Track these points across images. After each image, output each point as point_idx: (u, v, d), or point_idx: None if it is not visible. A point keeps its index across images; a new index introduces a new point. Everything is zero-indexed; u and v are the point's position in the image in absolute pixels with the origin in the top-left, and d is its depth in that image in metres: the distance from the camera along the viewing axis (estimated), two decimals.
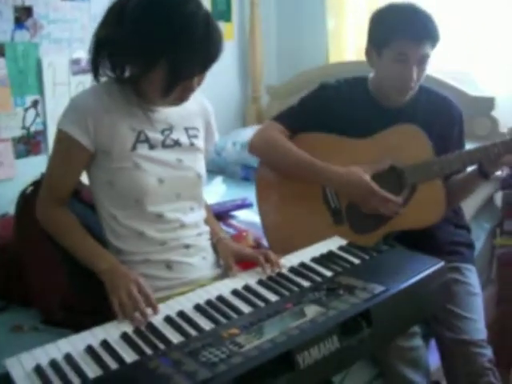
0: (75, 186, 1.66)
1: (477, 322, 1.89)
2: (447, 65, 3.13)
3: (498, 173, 1.96)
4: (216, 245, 1.75)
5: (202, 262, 1.68)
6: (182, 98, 1.57)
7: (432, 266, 1.45)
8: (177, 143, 1.66)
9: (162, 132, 1.65)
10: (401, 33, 1.90)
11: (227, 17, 3.80)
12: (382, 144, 1.99)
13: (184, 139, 1.68)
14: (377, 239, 1.94)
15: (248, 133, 3.26)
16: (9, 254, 2.06)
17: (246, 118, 3.96)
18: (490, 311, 2.37)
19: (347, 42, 3.50)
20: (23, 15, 2.72)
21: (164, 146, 1.64)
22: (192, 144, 1.70)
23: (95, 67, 1.57)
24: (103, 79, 1.61)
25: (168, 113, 1.66)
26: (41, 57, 2.81)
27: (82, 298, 1.80)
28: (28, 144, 2.83)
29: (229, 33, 3.80)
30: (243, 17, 3.89)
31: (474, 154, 1.90)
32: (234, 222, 2.64)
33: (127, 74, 1.59)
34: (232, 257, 1.67)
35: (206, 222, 1.78)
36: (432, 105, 2.05)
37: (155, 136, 1.62)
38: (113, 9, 1.54)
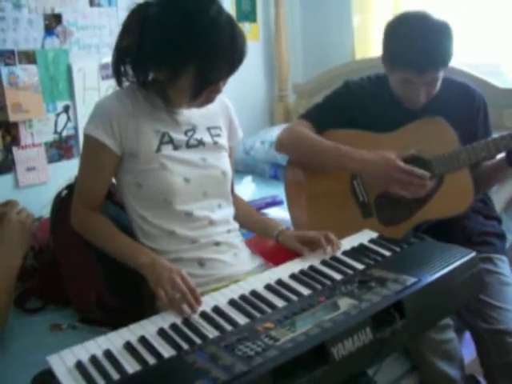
0: (107, 191, 1.68)
1: (510, 312, 1.88)
2: (475, 57, 3.11)
3: None
4: (278, 237, 1.76)
5: (233, 258, 1.70)
6: (208, 101, 1.61)
7: (463, 257, 1.44)
8: (200, 143, 1.69)
9: (186, 133, 1.68)
10: (403, 63, 1.91)
11: (252, 17, 3.82)
12: (408, 137, 2.01)
13: (207, 138, 1.71)
14: (406, 231, 1.95)
15: (276, 131, 3.29)
16: (45, 256, 2.11)
17: (274, 116, 3.98)
18: None
19: (373, 39, 3.48)
20: (53, 23, 2.78)
21: (188, 146, 1.67)
22: (215, 143, 1.72)
23: (118, 74, 1.61)
24: (126, 84, 1.64)
25: (190, 114, 1.69)
26: (71, 63, 2.87)
27: (118, 297, 1.83)
28: (60, 148, 2.90)
29: (254, 33, 3.82)
30: (268, 16, 3.91)
31: (499, 142, 1.90)
32: None
33: (150, 78, 1.61)
34: (298, 242, 1.68)
35: (255, 219, 1.86)
36: (453, 95, 2.05)
37: (179, 137, 1.66)
38: (133, 17, 1.57)
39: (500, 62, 3.09)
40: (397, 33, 1.96)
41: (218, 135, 1.75)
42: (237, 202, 1.87)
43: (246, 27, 3.72)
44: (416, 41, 1.88)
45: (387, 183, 1.94)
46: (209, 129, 1.73)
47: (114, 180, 1.71)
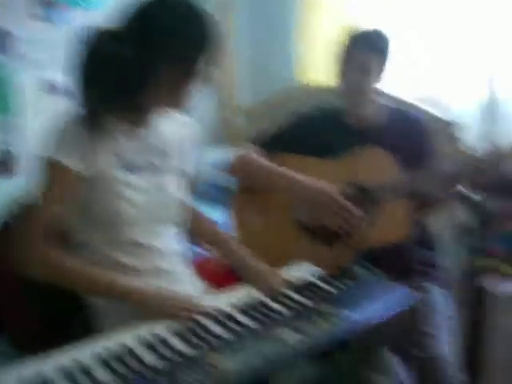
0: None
1: (441, 339, 1.96)
2: (415, 88, 3.20)
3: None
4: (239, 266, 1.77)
5: (173, 286, 1.64)
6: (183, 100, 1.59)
7: (404, 297, 1.51)
8: (157, 167, 1.64)
9: (144, 155, 1.62)
10: (348, 41, 2.14)
11: None
12: (349, 166, 2.08)
13: (165, 162, 1.66)
14: (349, 257, 1.99)
15: (219, 154, 3.30)
16: None
17: (217, 138, 3.98)
18: (465, 333, 2.42)
19: (320, 63, 3.54)
20: None
21: (144, 170, 1.61)
22: (175, 168, 1.68)
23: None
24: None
25: (151, 135, 1.64)
26: (12, 78, 2.81)
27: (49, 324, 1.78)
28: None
29: None
30: None
31: (437, 173, 1.99)
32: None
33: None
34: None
35: (212, 234, 1.86)
36: (397, 123, 2.16)
37: (136, 160, 1.59)
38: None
39: (438, 93, 3.18)
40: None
41: (182, 160, 1.72)
42: (196, 214, 1.87)
43: None
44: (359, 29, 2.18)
45: (322, 214, 1.98)
46: (168, 151, 1.68)
47: None
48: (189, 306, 1.45)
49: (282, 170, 2.06)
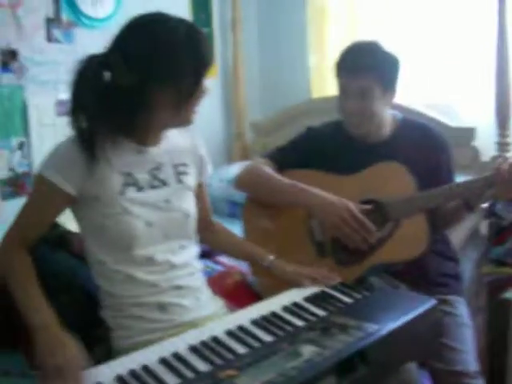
0: (46, 230, 1.61)
1: (467, 353, 1.90)
2: (427, 97, 3.19)
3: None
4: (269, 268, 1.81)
5: (195, 302, 1.66)
6: (190, 117, 1.60)
7: (424, 305, 1.47)
8: (165, 183, 1.65)
9: (150, 172, 1.63)
10: (339, 68, 2.04)
11: None
12: (366, 182, 2.02)
13: (172, 178, 1.67)
14: (360, 272, 1.94)
15: (234, 169, 3.30)
16: None
17: (231, 154, 3.98)
18: (481, 340, 2.38)
19: (329, 77, 3.53)
20: (9, 58, 2.75)
21: (152, 186, 1.62)
22: (180, 181, 1.69)
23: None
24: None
25: (156, 151, 1.65)
26: (26, 99, 2.83)
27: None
28: (15, 185, 2.84)
29: (212, 71, 3.84)
30: (226, 55, 3.94)
31: (456, 189, 1.93)
32: (221, 259, 2.63)
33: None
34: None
35: (239, 248, 1.94)
36: (414, 137, 2.08)
37: (143, 177, 1.61)
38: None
39: (451, 102, 3.16)
40: (343, 49, 2.07)
41: (184, 173, 1.71)
42: (218, 229, 1.98)
43: None
44: (352, 49, 2.05)
45: (338, 227, 1.92)
46: (175, 166, 1.69)
47: (71, 228, 1.66)
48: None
49: (295, 183, 2.02)
